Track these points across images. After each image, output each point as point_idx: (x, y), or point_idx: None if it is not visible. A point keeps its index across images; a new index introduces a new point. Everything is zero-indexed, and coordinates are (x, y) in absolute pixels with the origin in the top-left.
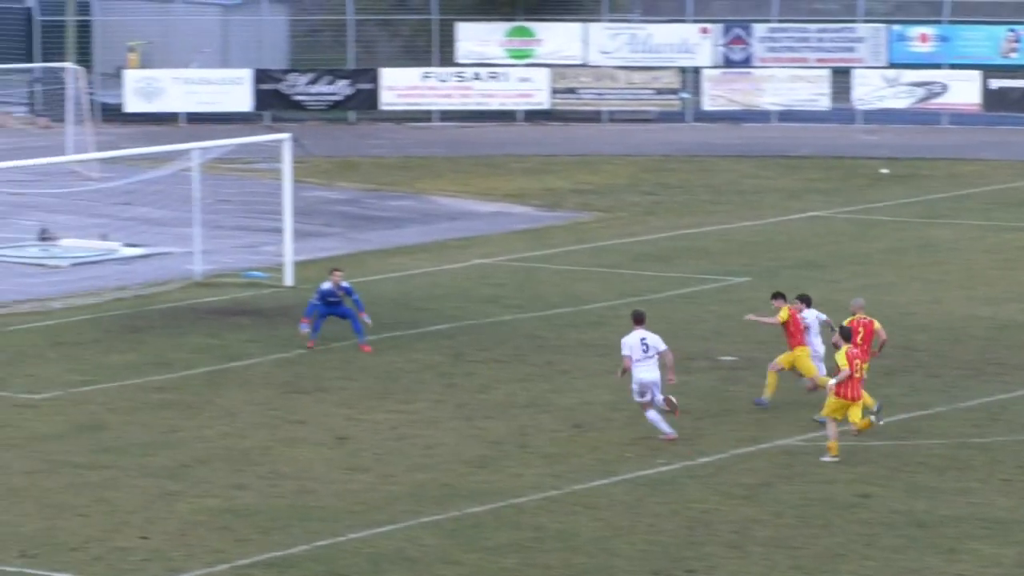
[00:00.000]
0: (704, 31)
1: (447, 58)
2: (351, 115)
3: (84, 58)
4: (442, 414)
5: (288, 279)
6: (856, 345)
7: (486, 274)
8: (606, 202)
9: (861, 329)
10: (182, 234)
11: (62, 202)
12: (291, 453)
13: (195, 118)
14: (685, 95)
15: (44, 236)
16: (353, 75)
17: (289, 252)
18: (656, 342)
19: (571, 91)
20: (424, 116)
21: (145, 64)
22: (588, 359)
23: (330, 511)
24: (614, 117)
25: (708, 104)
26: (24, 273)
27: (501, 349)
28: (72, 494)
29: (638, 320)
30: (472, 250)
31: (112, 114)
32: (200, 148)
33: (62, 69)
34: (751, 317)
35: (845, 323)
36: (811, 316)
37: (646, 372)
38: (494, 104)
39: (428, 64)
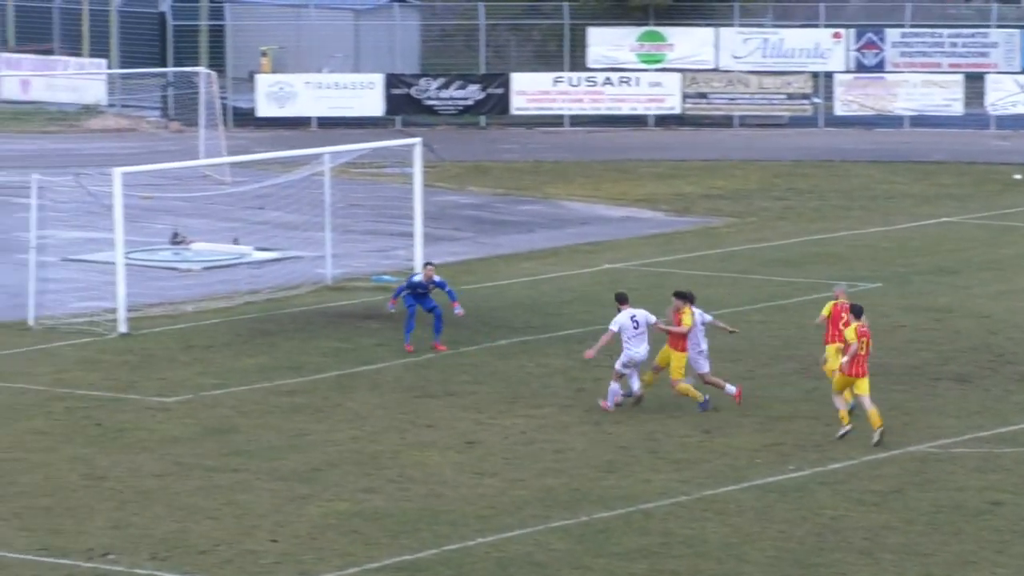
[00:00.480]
0: (836, 36)
1: (578, 63)
2: (482, 119)
3: (217, 62)
4: (571, 419)
5: None
6: (837, 331)
7: (616, 279)
8: (737, 207)
9: (844, 315)
10: (313, 238)
11: (194, 206)
12: (420, 457)
13: (326, 122)
14: (817, 100)
15: (176, 240)
16: (484, 80)
17: (419, 256)
18: (645, 316)
19: (702, 96)
20: (555, 121)
21: (277, 69)
22: (717, 364)
23: (459, 515)
24: (745, 122)
25: (840, 109)
26: (156, 276)
27: None
28: (203, 497)
29: (623, 300)
30: (602, 255)
31: (244, 118)
32: (331, 152)
33: (195, 73)
34: (660, 326)
35: (826, 309)
36: (697, 315)
37: (637, 349)
38: (625, 109)
39: (559, 69)
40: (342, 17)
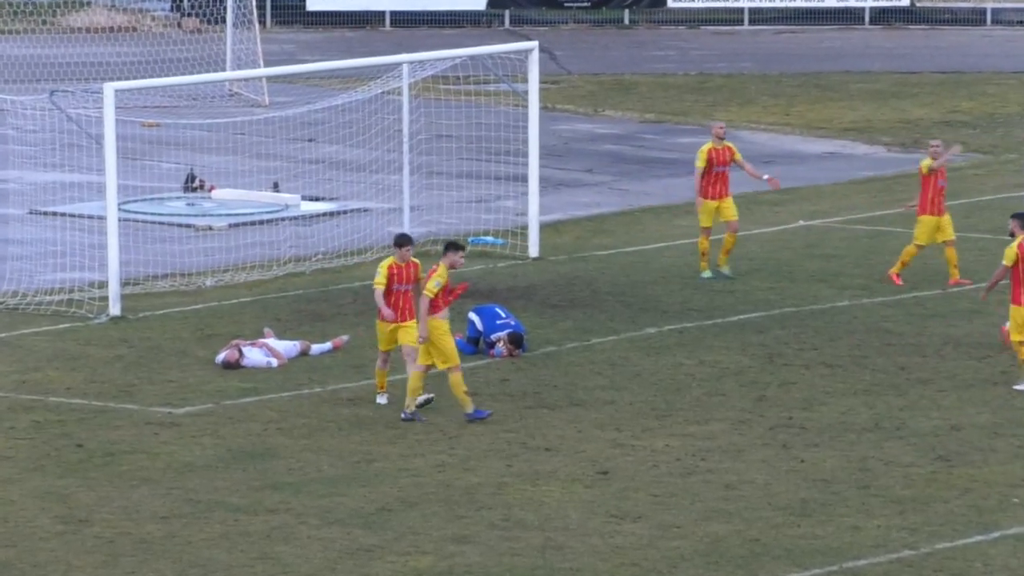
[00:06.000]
0: None
1: None
2: (625, 15)
3: None
4: (748, 440)
5: (533, 248)
6: None
7: (813, 242)
8: (988, 140)
9: None
10: (385, 183)
11: (218, 137)
12: (534, 493)
13: (405, 19)
14: None
15: (192, 185)
16: None
17: (535, 209)
18: None
19: None
20: (729, 17)
21: None
22: (958, 363)
23: (588, 575)
24: (1001, 18)
25: None
26: (164, 237)
27: (833, 348)
28: (226, 548)
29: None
30: (794, 207)
31: (288, 14)
32: (412, 62)
33: None
34: None
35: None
36: None
37: None
38: (829, 1)
39: None
40: None
